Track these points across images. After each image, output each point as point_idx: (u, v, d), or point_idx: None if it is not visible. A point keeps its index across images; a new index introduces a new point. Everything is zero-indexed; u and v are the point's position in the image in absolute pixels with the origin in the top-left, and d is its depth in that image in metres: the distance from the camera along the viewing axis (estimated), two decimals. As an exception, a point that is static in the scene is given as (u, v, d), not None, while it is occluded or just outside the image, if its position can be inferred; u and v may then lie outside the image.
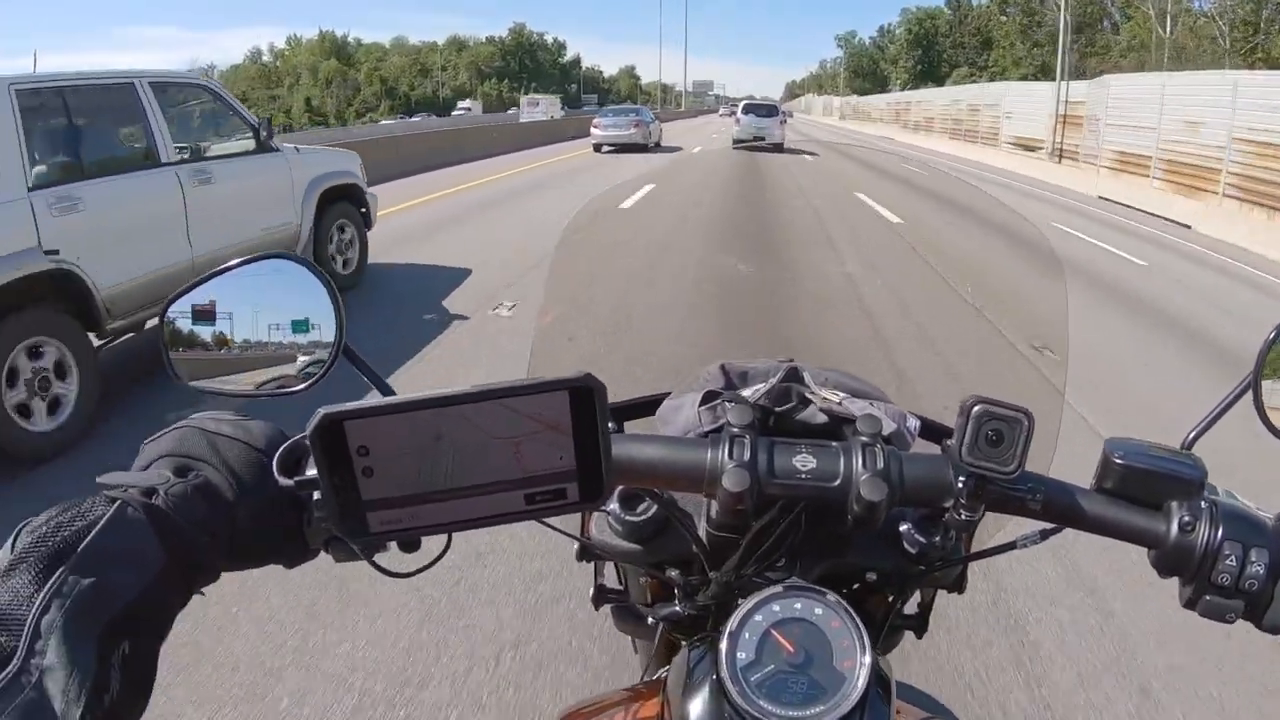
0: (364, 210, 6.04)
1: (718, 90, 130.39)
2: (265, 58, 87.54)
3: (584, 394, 0.42)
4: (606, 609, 0.77)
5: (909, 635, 0.73)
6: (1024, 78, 37.13)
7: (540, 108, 44.00)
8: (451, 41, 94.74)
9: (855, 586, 0.63)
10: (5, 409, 3.12)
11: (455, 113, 63.80)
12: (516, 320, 4.92)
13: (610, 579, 0.77)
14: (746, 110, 21.92)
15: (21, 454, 3.19)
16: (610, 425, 0.58)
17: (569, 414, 0.42)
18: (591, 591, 0.75)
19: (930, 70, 61.99)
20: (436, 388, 0.41)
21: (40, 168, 3.55)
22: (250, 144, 5.04)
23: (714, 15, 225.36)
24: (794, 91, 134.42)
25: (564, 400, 0.41)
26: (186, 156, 4.41)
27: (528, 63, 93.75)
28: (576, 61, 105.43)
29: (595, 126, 20.44)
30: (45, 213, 3.43)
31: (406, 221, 8.67)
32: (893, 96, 43.19)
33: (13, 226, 3.30)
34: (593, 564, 0.73)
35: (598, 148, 19.76)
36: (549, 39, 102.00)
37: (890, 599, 0.66)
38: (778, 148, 16.64)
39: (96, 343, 3.74)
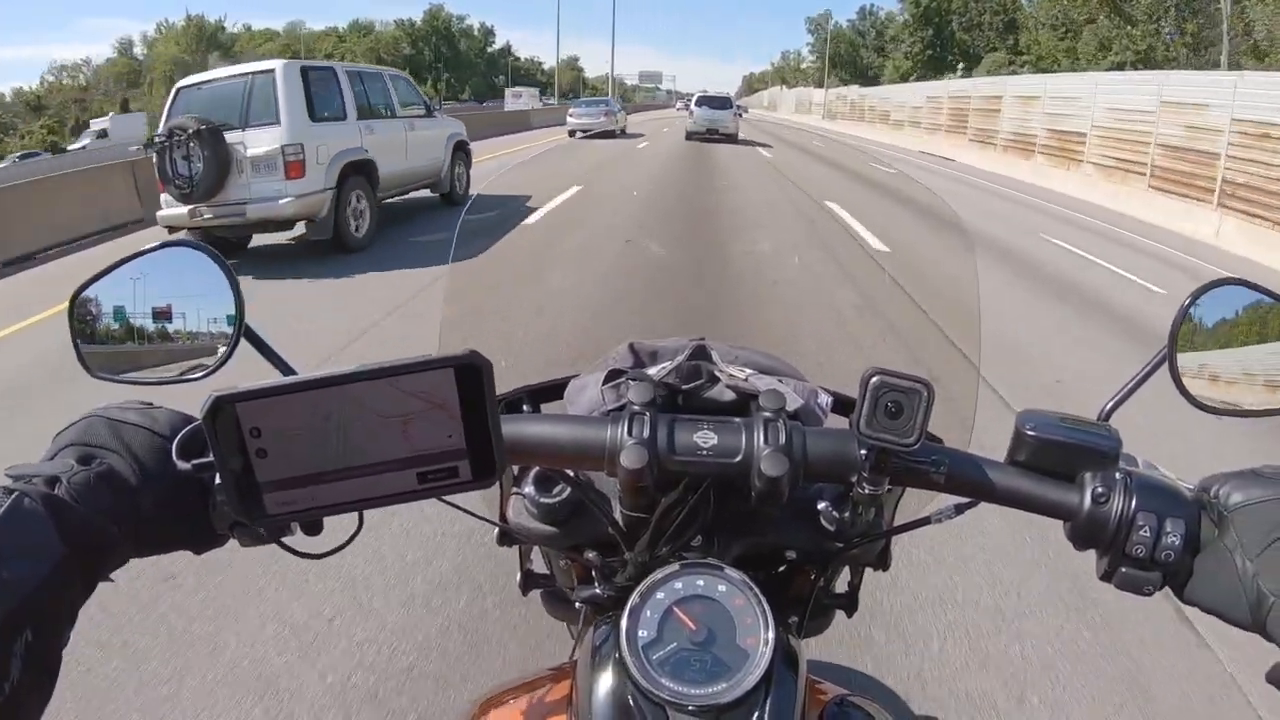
0: (469, 155, 9.82)
1: (668, 84, 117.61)
2: (137, 49, 74.79)
3: (471, 372, 0.41)
4: (536, 594, 0.76)
5: (841, 614, 0.73)
6: (1117, 66, 27.03)
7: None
8: (354, 26, 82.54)
9: (782, 568, 0.63)
10: (347, 225, 6.92)
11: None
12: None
13: (539, 564, 0.77)
14: (700, 103, 22.05)
15: (350, 247, 6.99)
16: (526, 407, 0.65)
17: (455, 392, 0.41)
18: (519, 577, 0.75)
19: (939, 57, 49.44)
20: (327, 367, 0.41)
21: (357, 110, 7.33)
22: (422, 111, 8.76)
23: (665, 8, 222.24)
24: (753, 85, 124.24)
25: (449, 378, 0.41)
26: (403, 114, 8.18)
27: (444, 50, 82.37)
28: (506, 50, 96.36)
29: (570, 115, 24.06)
30: (363, 132, 7.25)
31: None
32: (937, 87, 26.51)
33: (352, 137, 7.10)
34: (517, 550, 0.73)
35: (572, 133, 23.10)
36: (474, 25, 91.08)
37: (815, 577, 0.66)
38: (730, 139, 18.89)
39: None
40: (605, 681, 0.50)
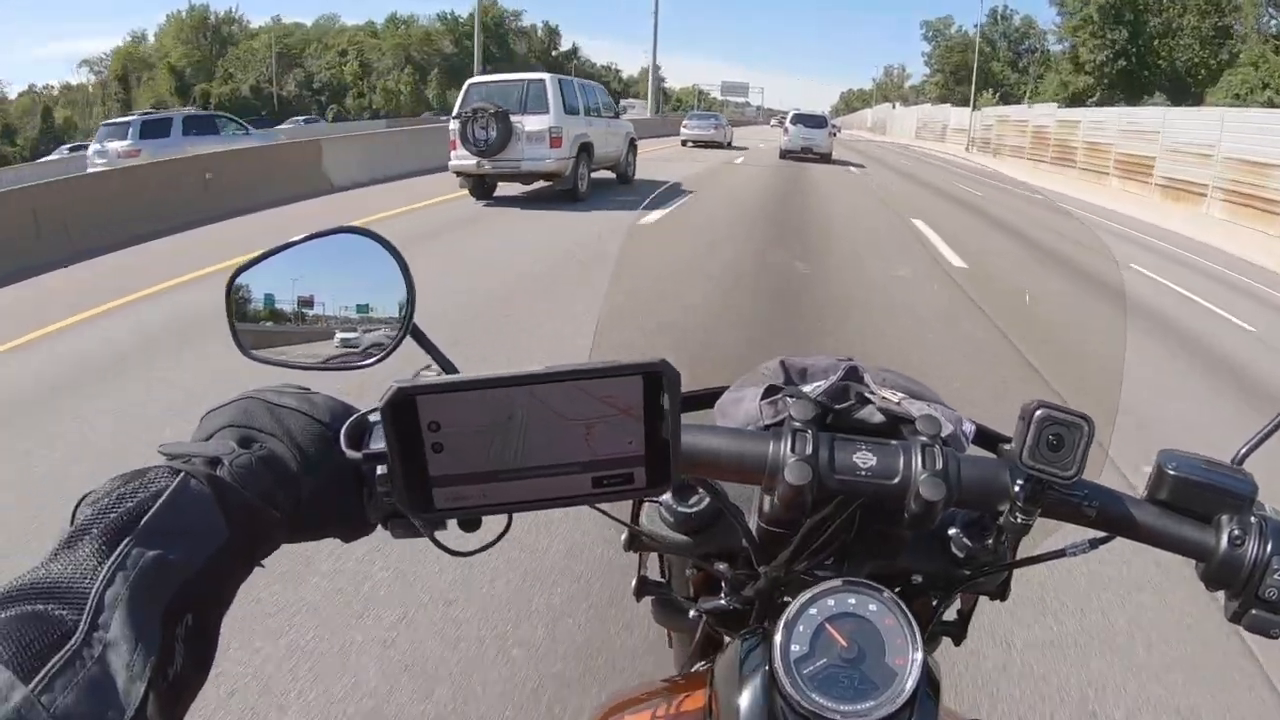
0: (636, 149, 13.33)
1: (755, 97, 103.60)
2: (151, 40, 67.61)
3: (656, 380, 0.42)
4: (648, 601, 0.76)
5: (946, 643, 0.72)
6: None
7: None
8: (392, 20, 71.42)
9: (899, 589, 0.61)
10: (578, 183, 10.48)
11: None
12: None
13: (652, 571, 0.76)
14: (795, 120, 22.17)
15: (577, 197, 10.53)
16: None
17: (641, 399, 0.42)
18: (634, 582, 0.75)
19: (1133, 71, 34.91)
20: (509, 368, 0.41)
21: (584, 108, 10.92)
22: (613, 114, 12.26)
23: (754, 18, 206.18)
24: (851, 103, 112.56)
25: (638, 385, 0.41)
26: (604, 114, 11.71)
27: (494, 50, 67.72)
28: (572, 53, 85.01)
29: (685, 126, 27.71)
30: (587, 124, 10.88)
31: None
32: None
33: (583, 126, 10.71)
34: (637, 555, 0.73)
35: (684, 142, 26.72)
36: (534, 24, 79.30)
37: (934, 602, 0.65)
38: (825, 158, 20.02)
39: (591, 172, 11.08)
40: (752, 692, 0.50)
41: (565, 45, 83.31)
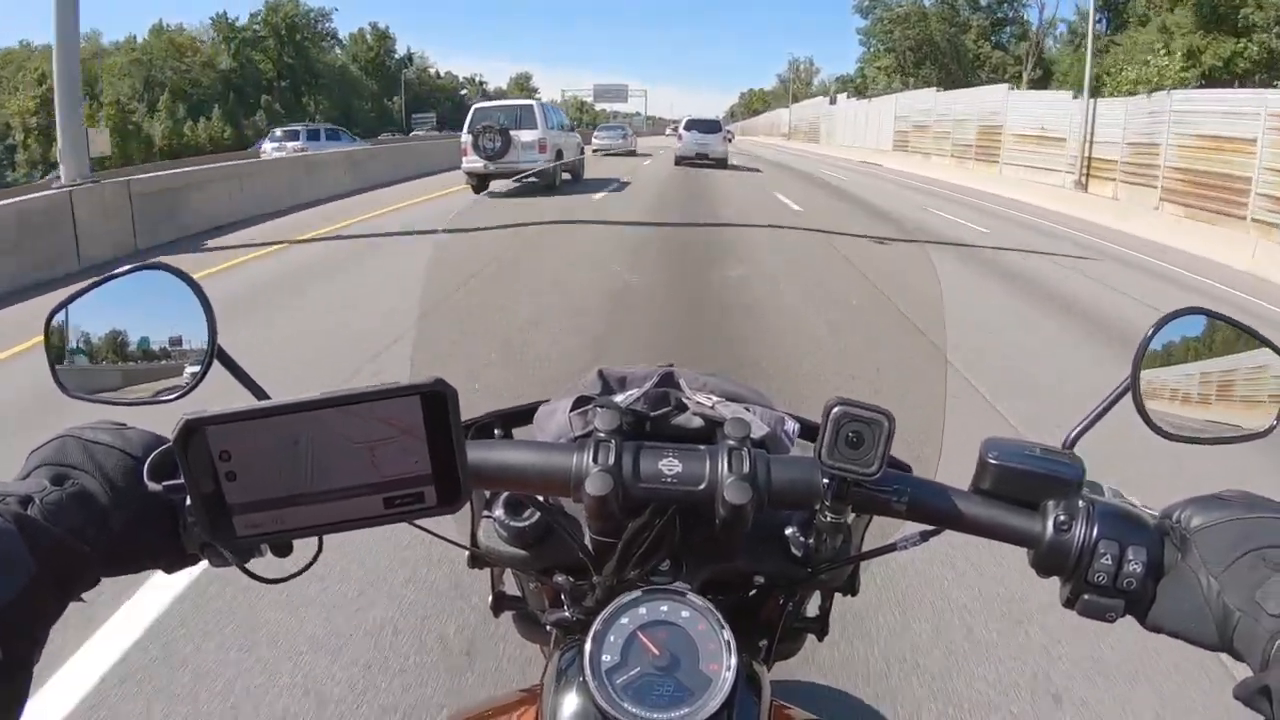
0: (583, 152, 17.93)
1: (636, 102, 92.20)
2: None
3: (436, 399, 0.42)
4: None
5: (812, 637, 0.74)
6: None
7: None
8: (156, 31, 54.56)
9: (752, 592, 0.64)
10: (554, 178, 14.88)
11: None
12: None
13: (512, 586, 0.78)
14: (689, 126, 22.61)
15: (553, 188, 14.64)
16: (497, 431, 0.68)
17: (421, 419, 0.42)
18: (490, 598, 0.75)
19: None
20: (299, 393, 0.42)
21: (559, 125, 15.56)
22: (571, 128, 16.87)
23: (650, 34, 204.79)
24: (752, 104, 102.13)
25: (416, 405, 0.42)
26: (565, 129, 16.25)
27: (289, 59, 57.12)
28: (407, 60, 73.49)
29: (595, 136, 32.50)
30: (559, 136, 15.43)
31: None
32: None
33: (559, 137, 15.26)
34: (489, 571, 0.73)
35: (594, 151, 31.06)
36: (364, 29, 67.44)
37: (784, 602, 0.66)
38: (720, 163, 20.69)
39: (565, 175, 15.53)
40: (569, 705, 0.51)
41: (461, 56, 76.97)
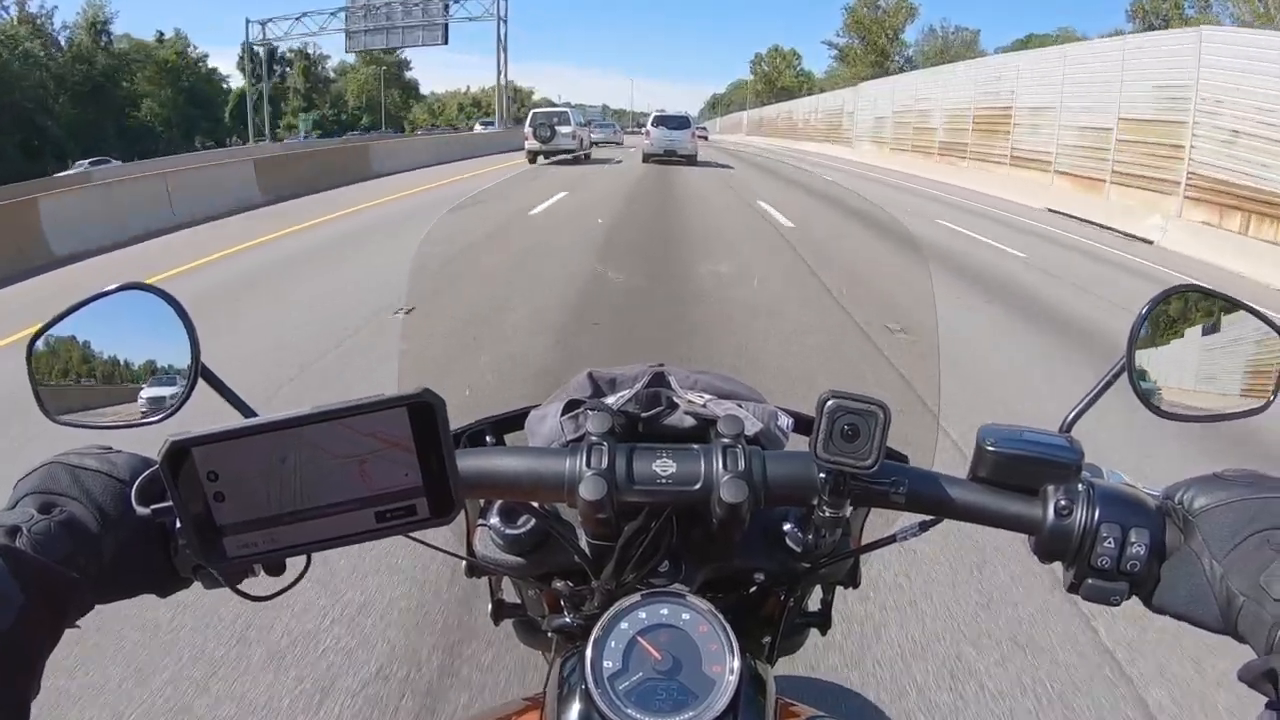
0: (595, 138, 27.39)
1: (568, 97, 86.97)
2: None
3: (424, 410, 0.41)
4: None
5: (814, 631, 0.73)
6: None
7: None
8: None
9: (752, 590, 0.63)
10: (585, 154, 24.33)
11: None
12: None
13: (510, 593, 0.77)
14: (657, 123, 22.15)
15: (583, 160, 24.03)
16: (489, 438, 0.67)
17: (409, 431, 0.42)
18: (490, 607, 0.74)
19: None
20: (286, 409, 0.41)
21: (583, 121, 25.29)
22: (586, 122, 26.32)
23: (631, 33, 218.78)
24: (717, 105, 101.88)
25: (403, 417, 0.41)
26: (584, 123, 25.86)
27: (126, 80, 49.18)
28: (318, 61, 71.51)
29: (592, 130, 41.18)
30: (583, 129, 25.02)
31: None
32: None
33: (583, 130, 24.76)
34: (487, 580, 0.72)
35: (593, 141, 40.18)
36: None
37: (785, 598, 0.65)
38: (690, 160, 20.52)
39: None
40: (573, 713, 0.50)
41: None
